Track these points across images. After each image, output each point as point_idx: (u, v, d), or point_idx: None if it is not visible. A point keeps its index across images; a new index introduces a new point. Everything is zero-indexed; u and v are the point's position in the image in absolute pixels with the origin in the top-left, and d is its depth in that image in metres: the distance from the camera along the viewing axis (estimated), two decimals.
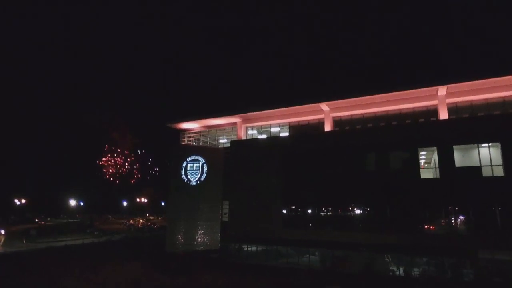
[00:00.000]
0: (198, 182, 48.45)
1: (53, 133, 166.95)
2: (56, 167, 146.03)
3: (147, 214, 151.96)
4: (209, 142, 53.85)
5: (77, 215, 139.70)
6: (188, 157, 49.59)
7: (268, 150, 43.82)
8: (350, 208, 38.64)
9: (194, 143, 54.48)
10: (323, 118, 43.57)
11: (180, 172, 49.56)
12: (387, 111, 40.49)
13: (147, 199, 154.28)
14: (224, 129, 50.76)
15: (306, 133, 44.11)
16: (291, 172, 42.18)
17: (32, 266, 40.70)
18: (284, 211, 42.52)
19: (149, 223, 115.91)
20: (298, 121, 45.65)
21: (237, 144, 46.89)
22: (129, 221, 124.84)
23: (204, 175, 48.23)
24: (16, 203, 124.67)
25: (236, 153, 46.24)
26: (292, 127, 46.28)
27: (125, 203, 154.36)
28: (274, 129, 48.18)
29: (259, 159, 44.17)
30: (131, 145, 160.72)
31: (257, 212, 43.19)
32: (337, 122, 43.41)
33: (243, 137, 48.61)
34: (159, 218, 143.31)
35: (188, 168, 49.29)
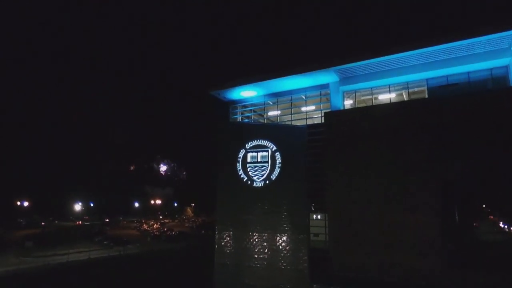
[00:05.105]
0: (267, 182, 27.51)
1: (59, 132, 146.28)
2: (63, 168, 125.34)
3: (161, 217, 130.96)
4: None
5: (86, 217, 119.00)
6: (248, 142, 28.64)
7: (401, 123, 22.98)
8: None
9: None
10: (502, 67, 22.76)
11: (236, 167, 28.65)
12: None
13: (160, 200, 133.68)
14: (305, 97, 29.65)
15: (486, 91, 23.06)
16: (460, 160, 21.28)
17: None
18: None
19: (165, 229, 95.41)
20: (446, 76, 24.76)
21: (338, 117, 25.72)
22: (143, 225, 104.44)
23: (277, 171, 27.29)
24: (23, 205, 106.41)
25: (336, 133, 25.26)
26: (431, 90, 25.32)
27: (136, 204, 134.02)
28: (391, 94, 27.31)
29: (384, 139, 23.32)
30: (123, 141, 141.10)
31: (387, 234, 22.33)
32: None
33: (341, 108, 27.64)
34: (175, 221, 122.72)
35: (249, 159, 28.37)
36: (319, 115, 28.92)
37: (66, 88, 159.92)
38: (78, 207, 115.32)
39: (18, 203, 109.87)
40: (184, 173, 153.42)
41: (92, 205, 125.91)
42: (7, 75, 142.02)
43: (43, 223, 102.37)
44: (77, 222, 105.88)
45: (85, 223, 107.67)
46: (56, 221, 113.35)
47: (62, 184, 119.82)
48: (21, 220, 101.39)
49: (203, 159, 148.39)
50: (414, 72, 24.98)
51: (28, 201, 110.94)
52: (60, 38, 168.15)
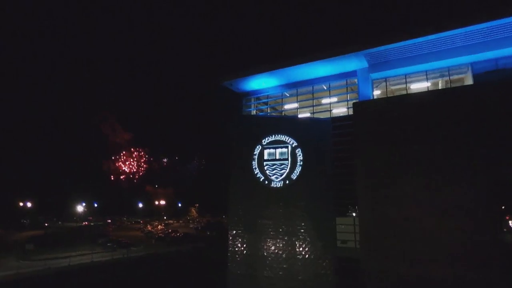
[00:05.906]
0: (286, 182, 24.28)
1: (58, 132, 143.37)
2: (63, 168, 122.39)
3: (165, 217, 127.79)
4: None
5: (90, 218, 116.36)
6: (265, 138, 25.41)
7: (443, 114, 19.66)
8: None
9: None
10: None
11: (251, 165, 25.41)
12: None
13: (164, 200, 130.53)
14: (328, 86, 26.28)
15: None
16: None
17: None
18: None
19: (169, 230, 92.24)
20: (495, 60, 21.33)
21: (369, 108, 22.37)
22: (147, 226, 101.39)
23: (298, 169, 24.05)
24: (26, 206, 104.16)
25: (366, 125, 21.95)
26: (477, 76, 21.92)
27: (140, 205, 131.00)
28: (427, 83, 23.92)
29: (424, 133, 20.00)
30: (123, 140, 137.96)
31: (429, 242, 19.00)
32: None
33: (370, 98, 24.25)
34: (180, 222, 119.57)
35: (266, 156, 25.13)
36: (344, 107, 25.67)
37: (66, 88, 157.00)
38: (81, 207, 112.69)
39: (21, 204, 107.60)
40: (194, 162, 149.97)
41: (96, 205, 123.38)
42: (7, 75, 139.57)
43: (46, 224, 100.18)
44: (84, 223, 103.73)
45: (91, 224, 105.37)
46: (60, 222, 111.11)
47: (63, 184, 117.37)
48: (25, 221, 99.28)
49: (204, 158, 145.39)
50: (457, 55, 21.64)
51: (31, 202, 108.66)
52: (60, 37, 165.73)
